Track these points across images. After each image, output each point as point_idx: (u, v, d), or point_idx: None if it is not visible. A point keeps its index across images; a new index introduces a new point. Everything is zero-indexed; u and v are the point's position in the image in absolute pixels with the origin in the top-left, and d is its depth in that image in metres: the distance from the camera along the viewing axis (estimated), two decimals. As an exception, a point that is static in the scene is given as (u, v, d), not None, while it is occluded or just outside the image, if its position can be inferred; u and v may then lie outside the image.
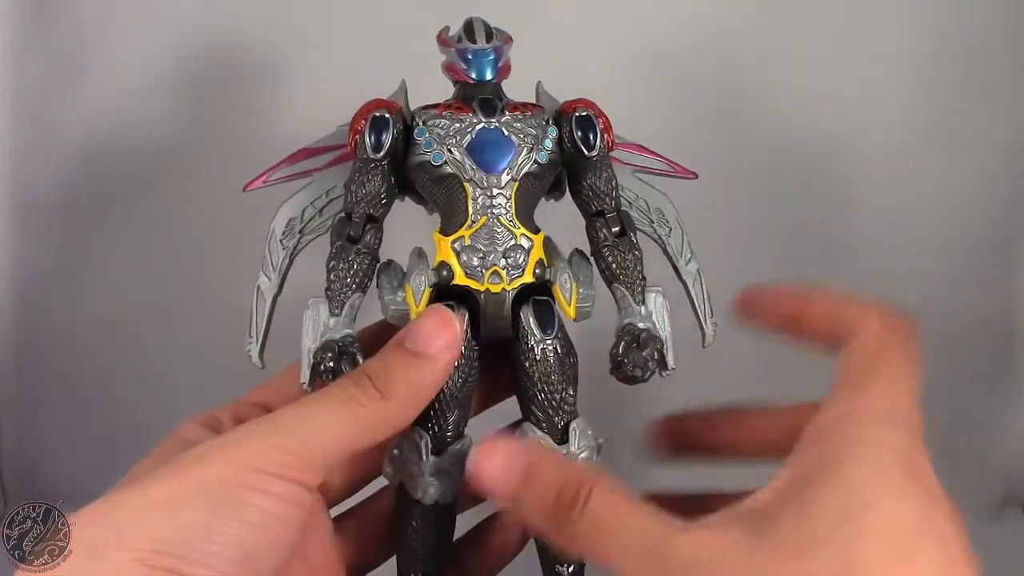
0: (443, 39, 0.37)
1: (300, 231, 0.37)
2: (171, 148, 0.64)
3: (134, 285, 0.65)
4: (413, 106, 0.38)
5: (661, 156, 0.39)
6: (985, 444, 0.69)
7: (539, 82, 0.39)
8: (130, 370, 0.66)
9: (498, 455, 0.30)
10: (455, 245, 0.35)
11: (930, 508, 0.27)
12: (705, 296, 0.38)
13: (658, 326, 0.35)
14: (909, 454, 0.28)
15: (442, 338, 0.32)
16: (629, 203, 0.38)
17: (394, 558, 0.38)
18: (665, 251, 0.38)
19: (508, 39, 0.37)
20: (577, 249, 0.38)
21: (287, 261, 0.37)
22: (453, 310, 0.34)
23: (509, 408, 0.38)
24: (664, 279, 0.37)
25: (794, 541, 0.26)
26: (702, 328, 0.37)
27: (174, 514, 0.27)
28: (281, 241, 0.37)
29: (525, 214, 0.36)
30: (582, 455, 0.35)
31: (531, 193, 0.36)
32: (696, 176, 0.39)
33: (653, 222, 0.38)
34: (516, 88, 0.38)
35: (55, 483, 0.66)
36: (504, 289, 0.35)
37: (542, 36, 0.58)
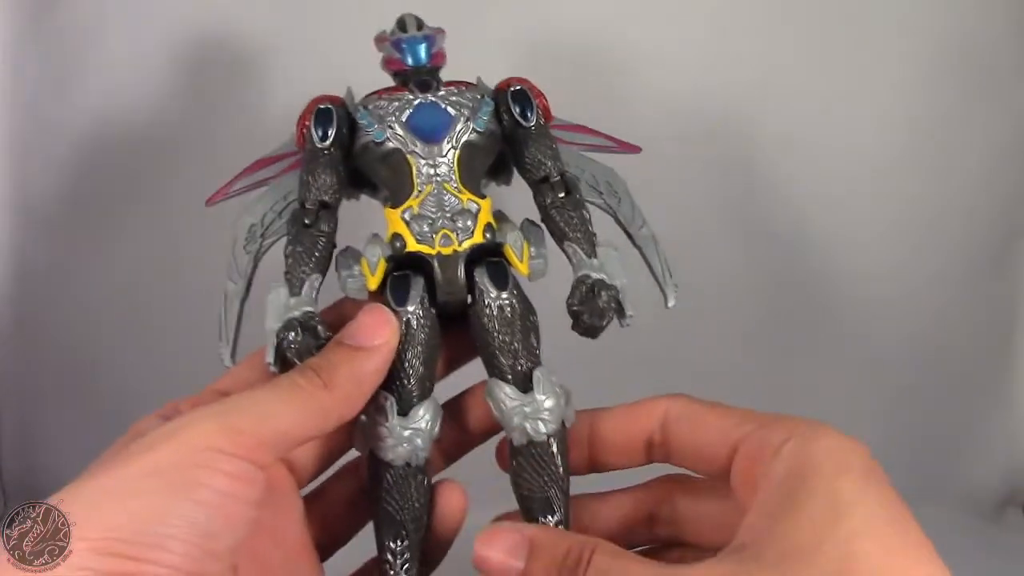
0: (378, 37, 0.39)
1: (261, 235, 0.38)
2: (169, 146, 0.64)
3: (135, 285, 0.66)
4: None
5: (602, 133, 0.40)
6: (984, 444, 0.69)
7: (478, 77, 0.40)
8: (130, 370, 0.66)
9: (499, 541, 0.31)
10: (404, 215, 0.36)
11: (900, 502, 0.28)
12: (662, 259, 0.38)
13: (612, 276, 0.36)
14: (865, 456, 0.29)
15: (380, 333, 0.34)
16: (578, 177, 0.39)
17: (356, 541, 0.39)
18: (617, 220, 0.39)
19: (441, 31, 0.39)
20: (527, 219, 0.38)
21: (252, 265, 0.38)
22: (409, 279, 0.36)
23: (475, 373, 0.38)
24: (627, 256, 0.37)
25: (789, 553, 0.26)
26: (663, 290, 0.38)
27: (126, 501, 0.27)
28: (245, 247, 0.38)
29: (471, 181, 0.37)
30: (548, 403, 0.35)
31: (474, 160, 0.37)
32: (639, 150, 0.40)
33: (602, 193, 0.39)
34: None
35: (55, 483, 0.65)
36: (455, 250, 0.36)
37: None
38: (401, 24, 0.39)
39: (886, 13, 0.65)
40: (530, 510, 0.36)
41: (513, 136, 0.38)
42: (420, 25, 0.39)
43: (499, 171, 0.40)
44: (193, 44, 0.63)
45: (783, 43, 0.65)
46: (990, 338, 0.69)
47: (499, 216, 0.38)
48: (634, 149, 0.40)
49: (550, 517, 0.36)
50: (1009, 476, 0.70)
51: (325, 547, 0.38)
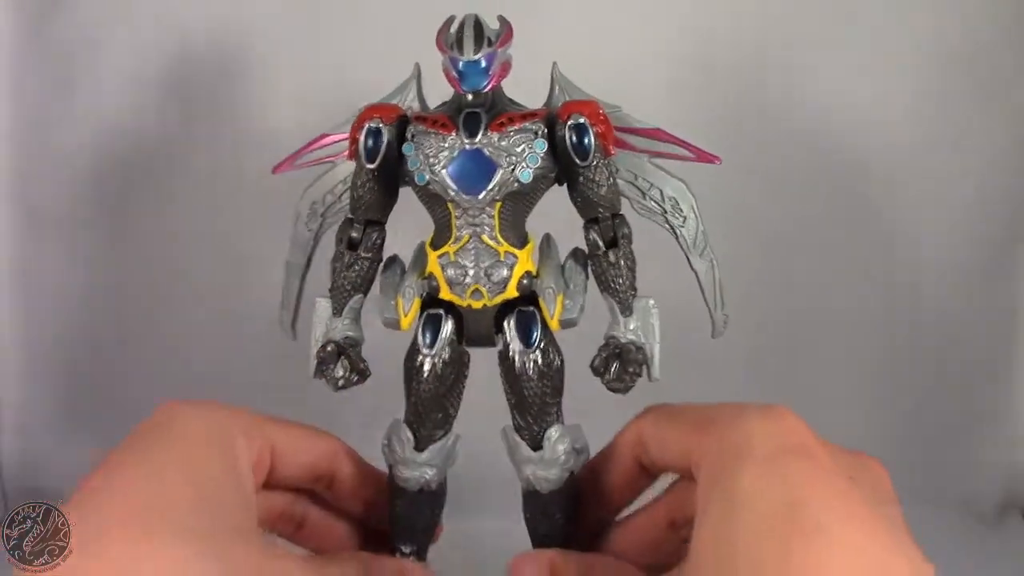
0: (439, 41, 0.36)
1: (322, 215, 0.40)
2: (170, 150, 0.64)
3: (135, 285, 0.66)
4: (428, 90, 0.39)
5: (680, 140, 0.38)
6: (984, 449, 0.69)
7: (554, 63, 0.38)
8: (130, 370, 0.66)
9: (526, 566, 0.36)
10: (441, 260, 0.37)
11: (810, 489, 0.27)
12: (718, 287, 0.37)
13: (644, 337, 0.36)
14: (771, 447, 0.28)
15: None
16: (643, 192, 0.38)
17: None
18: (678, 241, 0.38)
19: (505, 37, 0.35)
20: (576, 249, 0.38)
21: (312, 243, 0.40)
22: (442, 318, 0.37)
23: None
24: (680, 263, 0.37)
25: None
26: (712, 317, 0.37)
27: None
28: (306, 224, 0.40)
29: (512, 229, 0.36)
30: (554, 466, 0.37)
31: (518, 208, 0.37)
32: (719, 161, 0.37)
33: (666, 212, 0.38)
34: (531, 65, 0.37)
35: (55, 483, 0.65)
36: (485, 305, 0.36)
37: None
38: (459, 33, 0.35)
39: (887, 15, 0.65)
40: (537, 542, 0.39)
41: (568, 169, 0.36)
42: (480, 35, 0.35)
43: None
44: (193, 49, 0.63)
45: (781, 43, 0.65)
46: (991, 341, 0.69)
47: (544, 251, 0.38)
48: (713, 159, 0.37)
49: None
50: (1009, 480, 0.69)
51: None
